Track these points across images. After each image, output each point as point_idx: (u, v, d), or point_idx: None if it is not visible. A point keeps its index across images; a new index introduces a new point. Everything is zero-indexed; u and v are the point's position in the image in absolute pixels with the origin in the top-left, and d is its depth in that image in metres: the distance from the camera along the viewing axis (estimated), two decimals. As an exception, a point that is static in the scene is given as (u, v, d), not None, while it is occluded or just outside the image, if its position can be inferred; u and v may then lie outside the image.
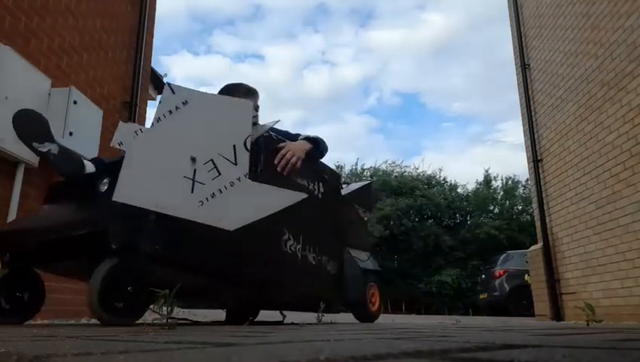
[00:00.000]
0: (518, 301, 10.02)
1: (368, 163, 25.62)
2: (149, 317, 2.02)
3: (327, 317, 2.92)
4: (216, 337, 1.17)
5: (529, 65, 6.99)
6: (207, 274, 2.12)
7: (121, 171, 1.83)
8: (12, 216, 3.15)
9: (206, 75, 43.70)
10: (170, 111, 1.92)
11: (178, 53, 44.81)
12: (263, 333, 1.37)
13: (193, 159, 1.86)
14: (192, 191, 1.83)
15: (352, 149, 44.23)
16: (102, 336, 1.17)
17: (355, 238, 3.37)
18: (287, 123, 26.39)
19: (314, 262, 2.76)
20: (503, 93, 40.03)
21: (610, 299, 4.86)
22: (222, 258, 2.16)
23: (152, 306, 1.54)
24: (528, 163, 6.82)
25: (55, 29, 3.85)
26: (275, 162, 2.50)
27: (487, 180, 22.36)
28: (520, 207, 21.07)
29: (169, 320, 1.51)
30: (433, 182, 22.00)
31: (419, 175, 21.89)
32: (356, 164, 24.40)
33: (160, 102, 1.92)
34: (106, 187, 2.03)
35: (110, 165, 2.15)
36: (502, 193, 21.92)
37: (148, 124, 2.63)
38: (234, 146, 1.89)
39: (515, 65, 7.27)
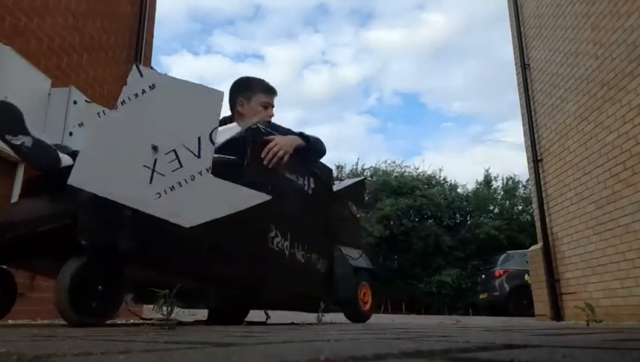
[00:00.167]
0: (518, 301, 10.02)
1: (368, 163, 25.63)
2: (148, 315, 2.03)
3: (327, 317, 2.91)
4: (216, 337, 1.17)
5: (529, 65, 6.99)
6: (186, 273, 2.03)
7: (79, 154, 1.73)
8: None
9: (206, 75, 43.74)
10: (136, 95, 1.80)
11: (178, 53, 44.82)
12: (263, 333, 1.37)
13: (155, 148, 1.76)
14: (151, 182, 1.74)
15: (352, 149, 44.27)
16: (102, 336, 1.17)
17: (347, 236, 3.30)
18: (288, 123, 26.35)
19: (303, 260, 2.67)
20: (503, 93, 40.06)
21: (610, 299, 4.86)
22: (202, 256, 2.08)
23: (153, 306, 1.54)
24: (528, 163, 6.83)
25: (55, 29, 3.85)
26: (262, 155, 2.43)
27: (487, 180, 22.37)
28: (520, 207, 21.07)
29: (147, 320, 1.49)
30: (433, 182, 22.00)
31: (419, 175, 21.90)
32: (357, 164, 24.41)
33: (126, 85, 1.82)
34: None
35: None
36: (502, 193, 21.92)
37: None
38: (199, 138, 1.79)
39: (515, 65, 7.28)
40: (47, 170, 2.02)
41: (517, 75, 7.25)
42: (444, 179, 22.47)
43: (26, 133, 1.94)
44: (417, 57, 39.54)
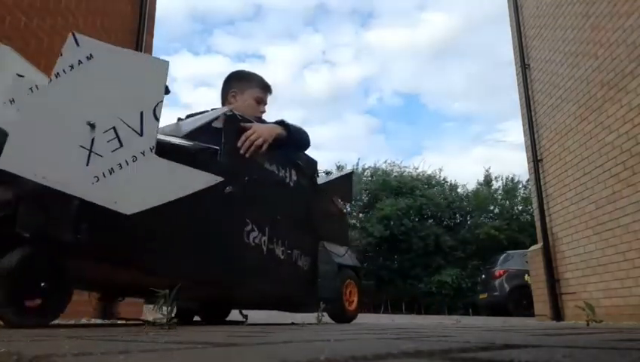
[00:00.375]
0: (518, 301, 10.02)
1: (369, 163, 25.57)
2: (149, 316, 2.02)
3: (327, 317, 2.91)
4: (217, 337, 1.17)
5: (529, 65, 6.99)
6: (146, 269, 1.86)
7: (10, 134, 1.55)
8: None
9: (206, 75, 43.70)
10: (72, 67, 1.62)
11: (178, 53, 44.70)
12: (264, 333, 1.37)
13: (92, 125, 1.58)
14: (87, 164, 1.56)
15: (352, 149, 44.28)
16: (102, 336, 1.17)
17: (333, 231, 3.11)
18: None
19: (283, 257, 2.50)
20: (504, 93, 40.01)
21: (610, 299, 4.86)
22: (164, 249, 1.90)
23: (153, 306, 1.53)
24: (528, 163, 6.83)
25: (55, 29, 3.86)
26: (238, 144, 2.26)
27: (488, 180, 22.35)
28: (520, 207, 21.05)
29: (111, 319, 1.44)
30: (433, 182, 21.98)
31: (418, 175, 21.89)
32: (357, 164, 24.35)
33: (61, 55, 1.64)
34: None
35: None
36: (502, 193, 21.91)
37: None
38: (141, 113, 1.62)
39: (515, 65, 7.28)
40: None
41: (517, 75, 7.25)
42: (444, 179, 22.46)
43: None
44: (417, 57, 39.56)
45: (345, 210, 3.34)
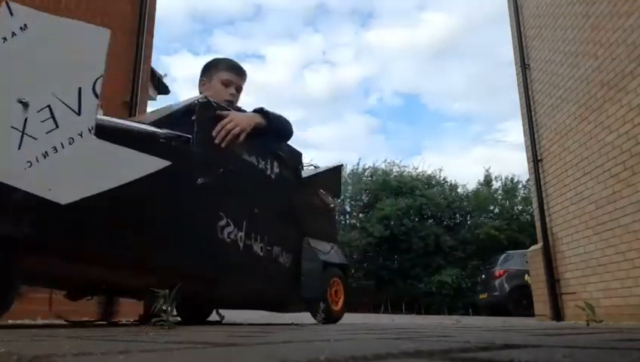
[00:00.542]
0: (518, 301, 10.02)
1: (369, 163, 25.53)
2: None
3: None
4: (217, 337, 1.17)
5: (529, 65, 6.99)
6: (104, 264, 1.73)
7: None
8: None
9: (206, 75, 43.62)
10: (4, 39, 1.46)
11: (178, 53, 44.74)
12: (264, 333, 1.37)
13: (24, 104, 1.44)
14: (20, 148, 1.41)
15: (352, 149, 44.25)
16: (102, 336, 1.17)
17: (319, 227, 2.94)
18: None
19: (262, 253, 2.33)
20: (504, 93, 40.04)
21: (611, 299, 4.86)
22: (124, 243, 1.75)
23: (152, 307, 1.53)
24: (528, 163, 6.83)
25: (55, 29, 3.86)
26: (213, 133, 2.12)
27: (488, 180, 22.36)
28: (520, 207, 21.05)
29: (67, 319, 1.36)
30: (433, 182, 21.99)
31: (418, 175, 21.89)
32: (358, 164, 24.36)
33: None
34: None
35: None
36: (502, 193, 21.91)
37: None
38: (79, 90, 1.48)
39: (515, 65, 7.28)
40: None
41: (517, 75, 7.25)
42: (444, 179, 22.46)
43: None
44: (418, 57, 39.56)
45: (333, 205, 3.17)
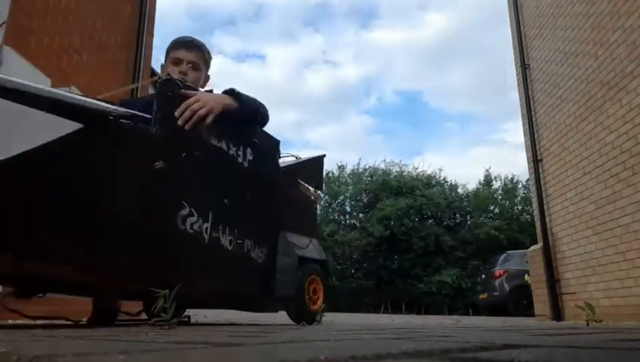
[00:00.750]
0: (518, 301, 10.02)
1: (369, 163, 25.54)
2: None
3: (327, 317, 2.90)
4: (217, 337, 1.17)
5: (529, 65, 6.99)
6: (40, 257, 1.56)
7: None
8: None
9: (206, 75, 43.64)
10: None
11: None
12: (264, 333, 1.37)
13: None
14: None
15: (352, 149, 44.23)
16: (102, 336, 1.17)
17: (297, 221, 2.74)
18: (288, 123, 26.38)
19: (230, 247, 2.11)
20: (504, 93, 40.07)
21: (611, 299, 4.86)
22: (63, 234, 1.59)
23: (152, 307, 1.53)
24: (528, 163, 6.83)
25: (55, 29, 3.86)
26: (176, 113, 1.92)
27: (488, 180, 22.37)
28: (520, 207, 21.07)
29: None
30: (433, 182, 22.01)
31: (418, 175, 21.90)
32: (358, 164, 24.36)
33: None
34: None
35: None
36: (502, 193, 21.92)
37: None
38: None
39: (515, 65, 7.28)
40: None
41: (517, 75, 7.25)
42: (444, 179, 22.48)
43: None
44: (418, 57, 39.55)
45: (313, 197, 2.97)
